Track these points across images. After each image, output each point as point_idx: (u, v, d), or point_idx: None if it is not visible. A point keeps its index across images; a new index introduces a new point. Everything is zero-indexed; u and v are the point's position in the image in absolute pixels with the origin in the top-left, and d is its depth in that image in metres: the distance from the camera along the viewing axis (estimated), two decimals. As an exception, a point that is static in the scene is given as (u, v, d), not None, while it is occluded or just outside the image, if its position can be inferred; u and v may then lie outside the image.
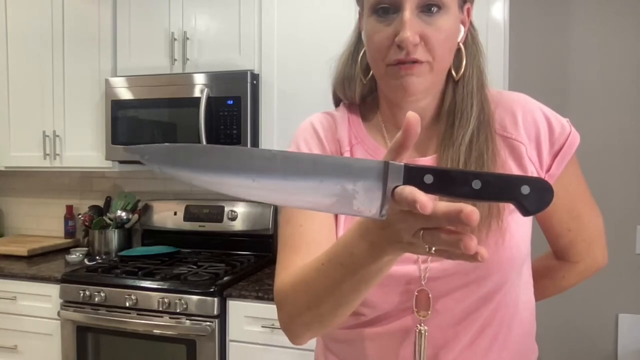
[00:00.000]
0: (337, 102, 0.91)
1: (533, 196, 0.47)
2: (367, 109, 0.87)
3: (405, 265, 0.75)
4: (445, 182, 0.48)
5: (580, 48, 2.21)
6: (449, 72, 0.78)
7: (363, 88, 0.85)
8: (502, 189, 0.48)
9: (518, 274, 0.80)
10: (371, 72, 0.80)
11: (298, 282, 0.71)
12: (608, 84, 2.18)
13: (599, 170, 2.15)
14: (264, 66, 2.18)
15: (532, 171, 0.78)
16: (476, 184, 0.47)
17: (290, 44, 2.15)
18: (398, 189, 0.48)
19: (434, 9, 0.70)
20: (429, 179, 0.48)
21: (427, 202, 0.44)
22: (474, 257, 0.46)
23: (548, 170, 0.79)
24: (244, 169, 0.49)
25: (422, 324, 0.76)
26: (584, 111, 2.20)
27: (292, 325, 0.74)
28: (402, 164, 0.49)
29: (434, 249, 0.49)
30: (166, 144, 0.50)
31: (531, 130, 0.78)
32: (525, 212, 0.49)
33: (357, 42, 0.84)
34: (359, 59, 0.82)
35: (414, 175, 0.48)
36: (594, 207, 0.89)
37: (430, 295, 0.75)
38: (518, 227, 0.76)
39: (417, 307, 0.76)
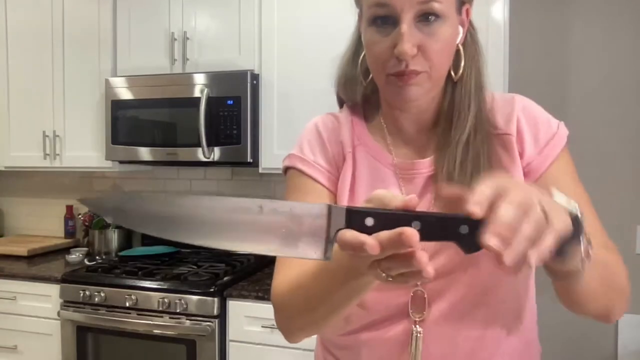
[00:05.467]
0: (341, 103, 0.91)
1: (472, 236, 0.48)
2: (370, 108, 0.87)
3: None
4: (385, 225, 0.49)
5: (580, 48, 2.21)
6: (448, 72, 0.78)
7: (364, 89, 0.85)
8: (441, 229, 0.49)
9: (514, 277, 0.79)
10: (372, 75, 0.80)
11: (294, 287, 0.72)
12: (608, 84, 2.18)
13: (599, 170, 2.15)
14: (264, 66, 2.18)
15: (519, 164, 0.78)
16: (416, 225, 0.49)
17: (290, 44, 2.14)
18: (339, 234, 0.50)
19: (432, 18, 0.70)
20: (370, 221, 0.50)
21: (374, 243, 0.47)
22: (425, 276, 0.48)
23: (529, 164, 0.78)
24: (191, 217, 0.51)
25: (418, 325, 0.76)
26: (583, 111, 2.20)
27: (288, 327, 0.76)
28: (345, 207, 0.51)
29: (390, 278, 0.51)
30: (116, 195, 0.53)
31: (519, 125, 0.79)
32: (465, 251, 0.50)
33: (358, 44, 0.84)
34: (360, 61, 0.82)
35: (355, 218, 0.50)
36: (595, 218, 0.81)
37: (425, 296, 0.75)
38: None
39: (412, 308, 0.76)
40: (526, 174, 0.78)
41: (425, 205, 0.79)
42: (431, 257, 0.74)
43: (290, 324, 0.75)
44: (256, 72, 2.19)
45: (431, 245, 0.74)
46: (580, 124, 2.16)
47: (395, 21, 0.70)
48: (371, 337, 0.80)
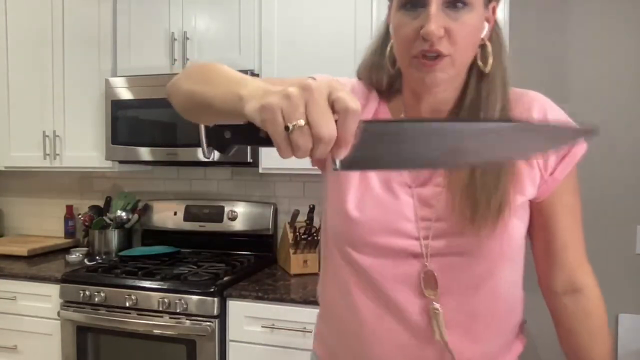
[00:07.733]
0: None
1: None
2: (391, 93, 0.90)
3: (407, 240, 0.78)
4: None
5: (580, 48, 2.21)
6: (473, 66, 0.80)
7: (389, 77, 0.87)
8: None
9: (512, 264, 0.84)
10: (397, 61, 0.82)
11: (205, 66, 0.76)
12: (608, 84, 2.18)
13: (599, 170, 2.15)
14: (264, 66, 2.18)
15: (535, 165, 0.80)
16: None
17: (291, 44, 2.14)
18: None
19: (460, 5, 0.73)
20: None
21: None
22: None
23: (552, 173, 0.80)
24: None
25: (435, 303, 0.78)
26: (583, 111, 2.19)
27: (174, 87, 0.81)
28: None
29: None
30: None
31: None
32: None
33: (386, 35, 0.86)
34: (387, 51, 0.85)
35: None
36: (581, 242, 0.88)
37: (435, 274, 0.78)
38: (518, 222, 0.80)
39: (425, 286, 0.79)
40: (546, 182, 0.81)
41: (432, 189, 0.80)
42: (446, 236, 0.78)
43: (177, 84, 0.81)
44: (256, 72, 2.19)
45: (445, 225, 0.78)
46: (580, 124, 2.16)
47: (425, 4, 0.73)
48: (389, 322, 0.81)
